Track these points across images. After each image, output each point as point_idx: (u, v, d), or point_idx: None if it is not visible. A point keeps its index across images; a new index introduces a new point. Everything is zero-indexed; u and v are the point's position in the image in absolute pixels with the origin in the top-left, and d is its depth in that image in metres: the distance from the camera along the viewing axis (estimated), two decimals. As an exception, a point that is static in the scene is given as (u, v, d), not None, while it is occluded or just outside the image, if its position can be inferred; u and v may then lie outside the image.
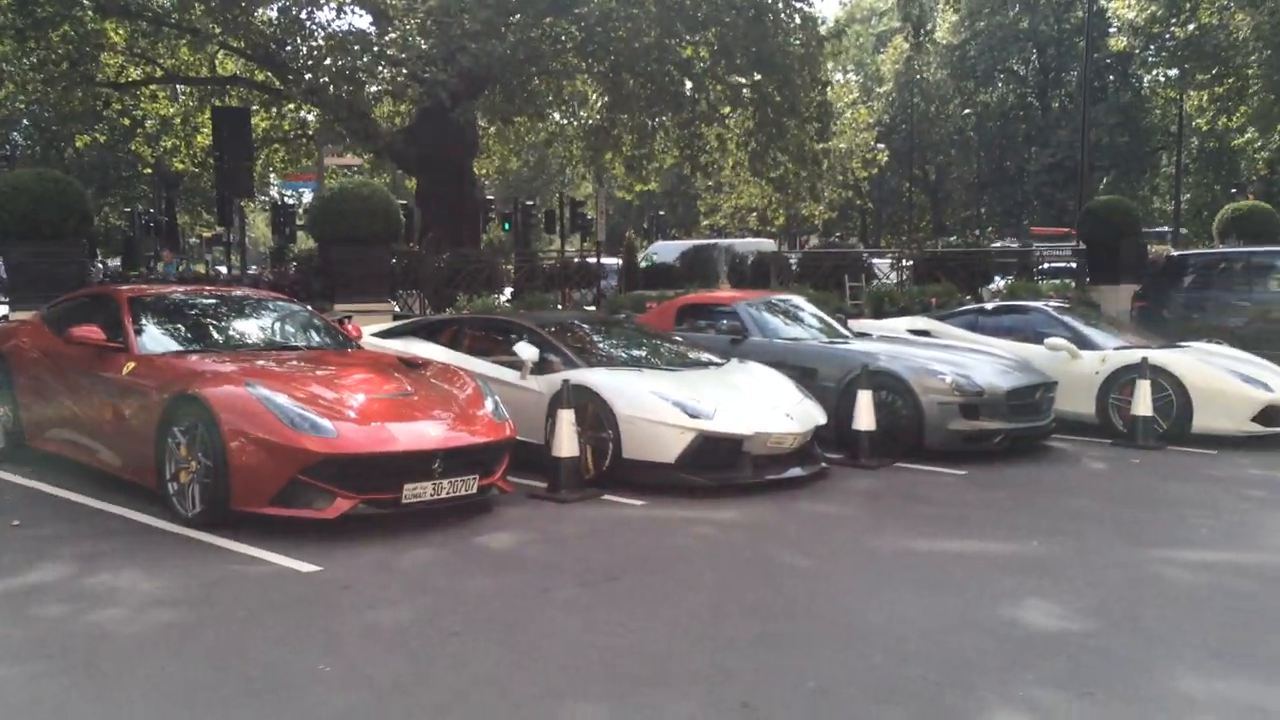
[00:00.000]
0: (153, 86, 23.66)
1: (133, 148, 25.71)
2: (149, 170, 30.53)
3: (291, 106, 21.44)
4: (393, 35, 15.71)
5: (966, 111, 51.15)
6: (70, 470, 7.56)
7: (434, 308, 13.95)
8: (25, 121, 32.86)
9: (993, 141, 52.24)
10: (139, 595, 5.09)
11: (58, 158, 31.63)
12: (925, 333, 11.39)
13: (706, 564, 5.90)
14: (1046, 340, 10.44)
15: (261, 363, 6.94)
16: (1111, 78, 48.71)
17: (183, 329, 7.55)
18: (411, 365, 7.68)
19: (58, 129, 26.41)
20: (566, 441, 7.44)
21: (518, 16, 15.92)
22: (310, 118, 22.41)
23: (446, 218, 19.61)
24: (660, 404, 7.63)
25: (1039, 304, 11.76)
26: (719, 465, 7.72)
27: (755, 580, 5.54)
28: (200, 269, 30.09)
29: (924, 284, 17.21)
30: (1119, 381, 10.07)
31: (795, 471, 8.03)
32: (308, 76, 16.37)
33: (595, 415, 7.76)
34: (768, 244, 31.99)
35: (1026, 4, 49.79)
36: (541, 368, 8.33)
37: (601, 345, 9.05)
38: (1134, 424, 9.71)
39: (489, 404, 7.10)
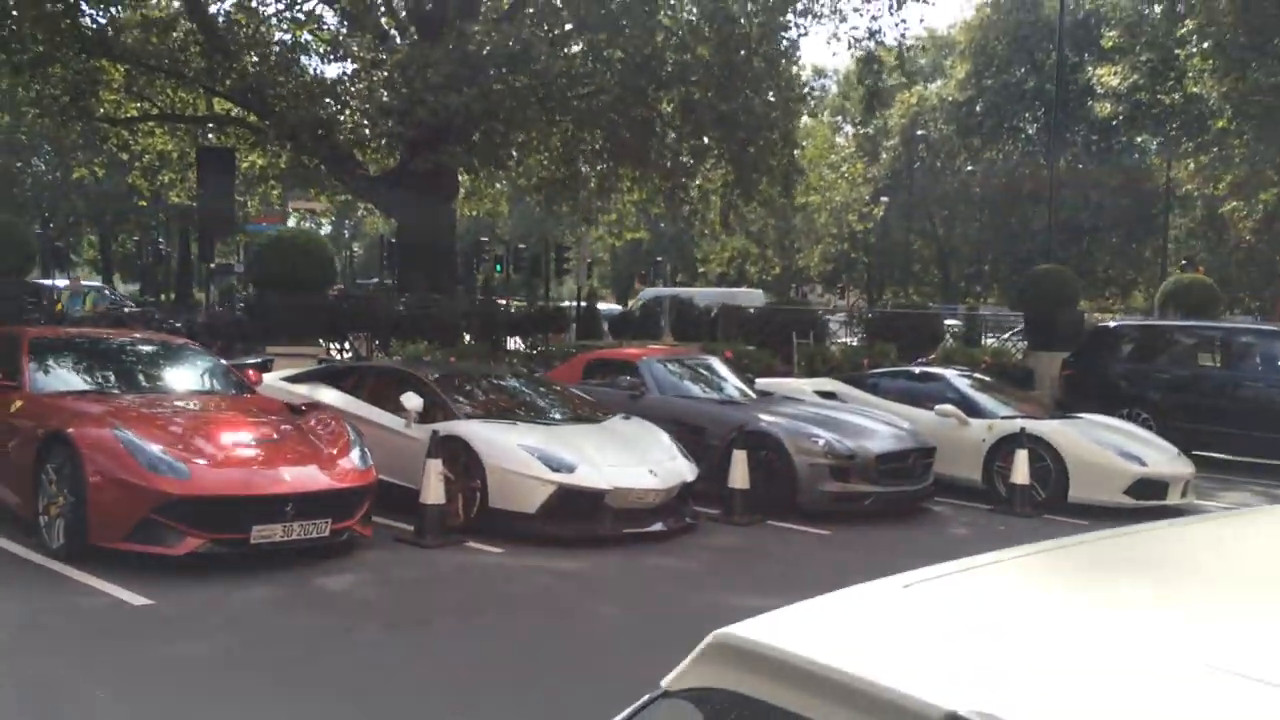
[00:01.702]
0: (149, 123, 24.56)
1: (130, 181, 26.52)
2: (144, 203, 31.38)
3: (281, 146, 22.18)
4: (359, 86, 16.40)
5: (970, 168, 51.66)
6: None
7: (383, 351, 14.50)
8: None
9: (998, 198, 52.76)
10: (-29, 619, 5.57)
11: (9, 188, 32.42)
12: (832, 394, 11.79)
13: (521, 612, 6.33)
14: (936, 407, 10.83)
15: (137, 406, 7.44)
16: (1116, 141, 49.17)
17: (76, 371, 8.09)
18: (295, 411, 8.16)
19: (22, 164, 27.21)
20: (433, 489, 7.89)
21: (488, 71, 16.61)
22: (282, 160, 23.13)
23: (423, 260, 20.22)
24: (525, 456, 8.08)
25: (941, 370, 12.15)
26: (580, 517, 8.14)
27: (554, 630, 5.96)
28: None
29: (873, 343, 17.66)
30: (1003, 449, 10.44)
31: (657, 526, 8.43)
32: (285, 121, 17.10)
33: (466, 465, 8.22)
34: (756, 295, 32.53)
35: (1033, 64, 50.41)
36: (427, 417, 8.80)
37: (486, 397, 9.53)
38: (1012, 491, 10.07)
39: (354, 452, 7.57)
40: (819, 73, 58.49)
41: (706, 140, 19.79)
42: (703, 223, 27.93)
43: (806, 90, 24.66)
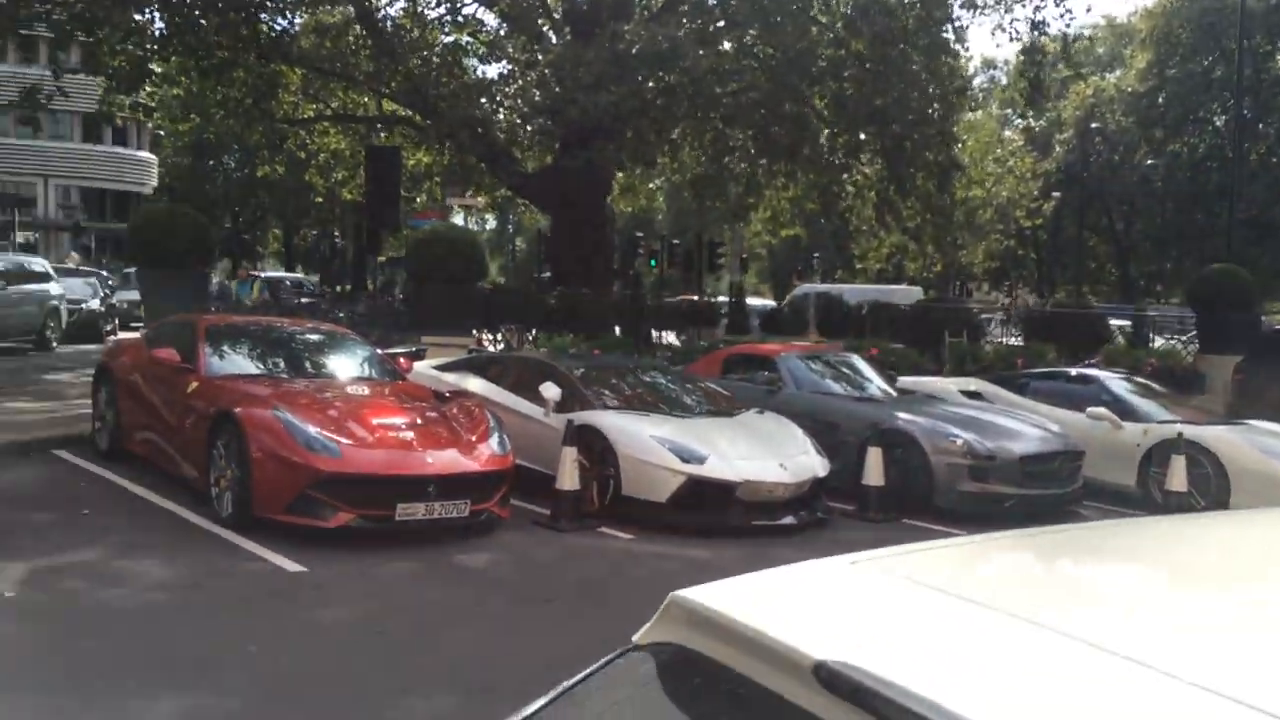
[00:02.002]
0: (324, 123, 25.95)
1: (307, 178, 28.08)
2: (319, 199, 33.13)
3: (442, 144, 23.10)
4: (514, 86, 16.95)
5: (1151, 161, 49.13)
6: (155, 470, 8.84)
7: (531, 343, 14.99)
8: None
9: (1182, 193, 50.00)
10: (147, 579, 6.16)
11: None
12: (977, 395, 11.57)
13: (643, 593, 6.48)
14: (1088, 410, 10.50)
15: (298, 389, 8.00)
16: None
17: (245, 356, 8.73)
18: (440, 398, 8.60)
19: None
20: (568, 476, 8.19)
21: (637, 70, 16.88)
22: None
23: (577, 254, 20.69)
24: (656, 447, 8.29)
25: (1095, 372, 11.75)
26: (709, 508, 8.30)
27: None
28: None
29: (1031, 343, 17.17)
30: (1160, 455, 10.04)
31: (787, 519, 8.51)
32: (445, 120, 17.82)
33: (601, 453, 8.49)
34: (914, 292, 31.90)
35: (1221, 52, 47.56)
36: (565, 406, 9.11)
37: (622, 389, 9.77)
38: (1168, 499, 9.68)
39: (494, 438, 7.93)
40: (989, 64, 56.81)
41: (861, 136, 19.57)
42: (858, 219, 27.68)
43: (969, 83, 24.09)
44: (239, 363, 8.60)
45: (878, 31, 17.94)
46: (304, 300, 19.78)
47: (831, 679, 1.14)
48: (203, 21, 18.15)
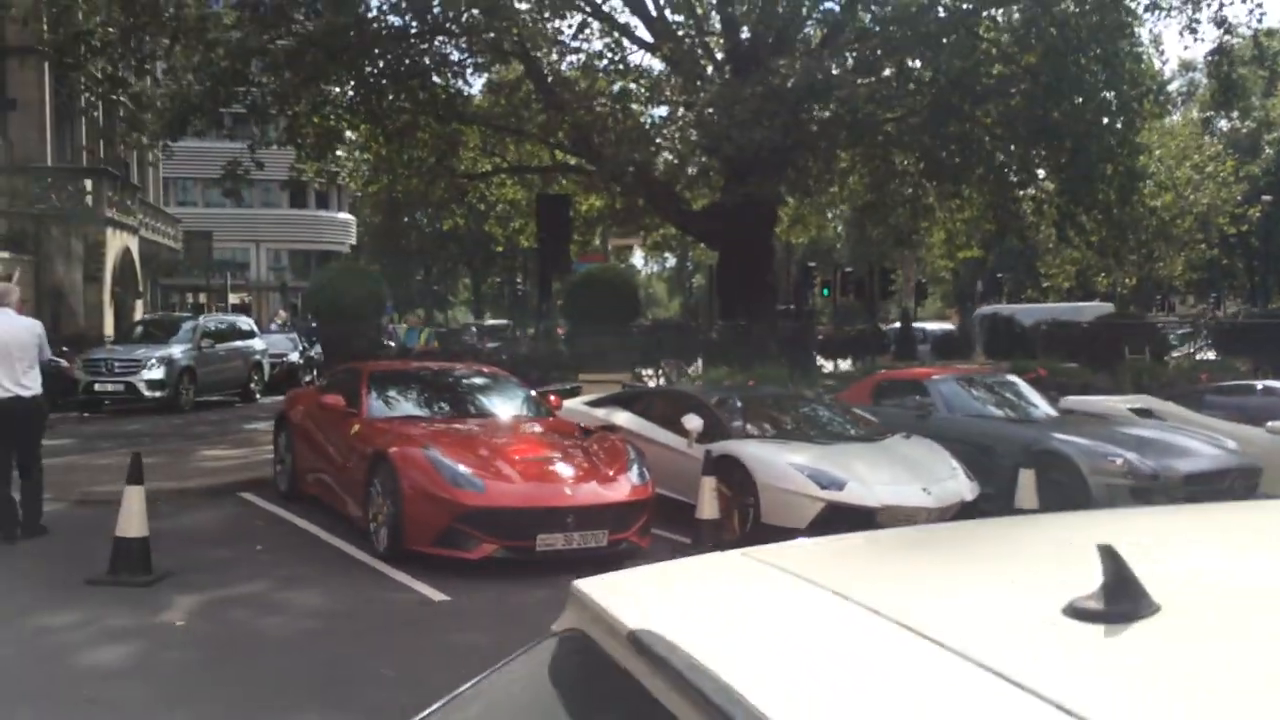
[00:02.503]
0: (501, 175, 27.13)
1: (486, 228, 29.31)
2: (500, 249, 34.49)
3: (609, 188, 23.75)
4: (673, 127, 17.33)
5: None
6: (326, 509, 9.49)
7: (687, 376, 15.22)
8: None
9: None
10: (303, 608, 6.66)
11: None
12: (1148, 412, 11.02)
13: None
14: (1269, 424, 9.85)
15: (450, 428, 8.46)
16: None
17: (404, 399, 9.30)
18: (586, 432, 8.91)
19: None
20: (707, 505, 8.33)
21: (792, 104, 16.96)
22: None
23: (741, 287, 20.83)
24: (795, 474, 8.32)
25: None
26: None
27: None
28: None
29: (1227, 357, 16.22)
30: (1350, 471, 9.32)
31: (932, 545, 8.34)
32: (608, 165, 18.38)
33: (741, 482, 8.59)
34: (1104, 308, 30.44)
35: None
36: (708, 437, 9.25)
37: (765, 418, 9.83)
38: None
39: (632, 470, 8.14)
40: (1187, 66, 53.69)
41: (1033, 152, 18.94)
42: (1042, 236, 26.67)
43: (1159, 88, 22.93)
44: (398, 405, 9.17)
45: (1050, 44, 17.39)
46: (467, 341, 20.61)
47: (639, 645, 1.27)
48: (384, 83, 19.44)
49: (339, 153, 23.97)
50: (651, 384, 15.14)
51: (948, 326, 29.21)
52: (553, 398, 10.08)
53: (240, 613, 6.50)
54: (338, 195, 55.59)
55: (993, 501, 9.17)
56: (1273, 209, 42.51)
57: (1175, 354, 17.08)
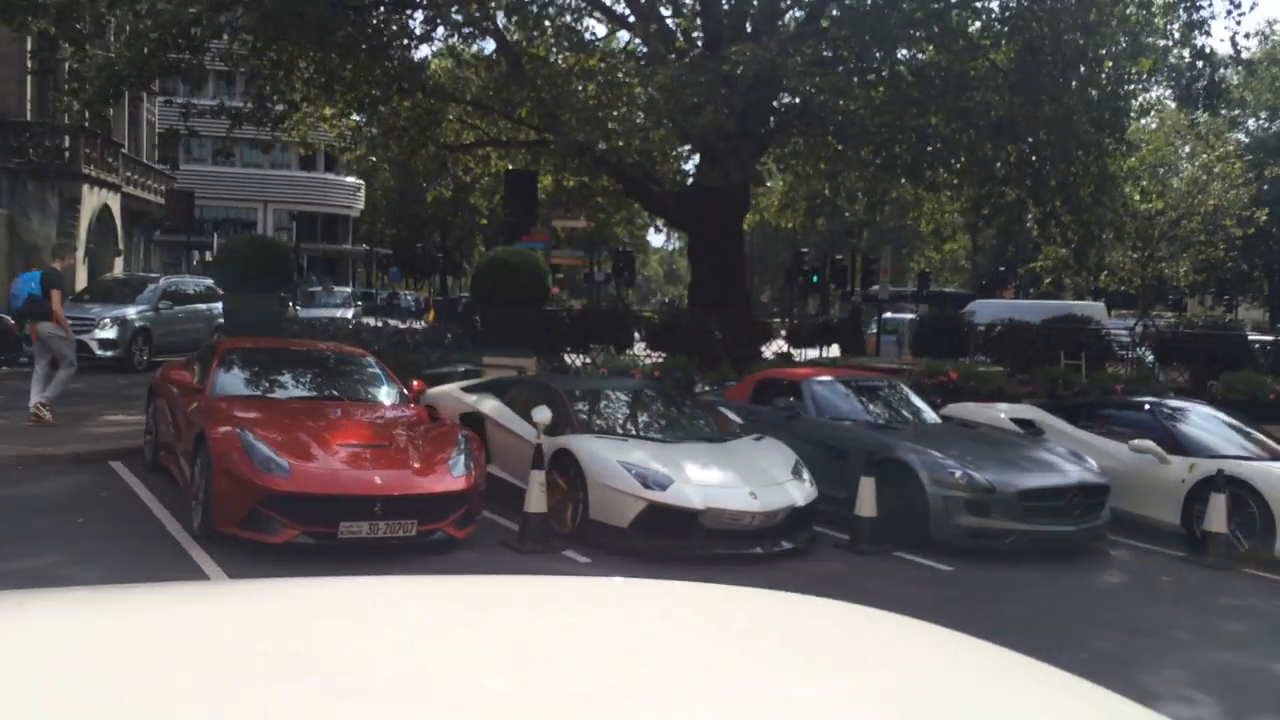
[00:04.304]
0: (485, 149, 27.06)
1: (471, 201, 29.34)
2: (484, 221, 34.54)
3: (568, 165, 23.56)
4: (621, 110, 17.20)
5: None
6: (175, 483, 9.56)
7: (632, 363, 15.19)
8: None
9: None
10: (71, 584, 6.72)
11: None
12: (1030, 423, 10.90)
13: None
14: (1131, 442, 9.73)
15: (280, 410, 8.51)
16: None
17: (250, 377, 9.35)
18: (418, 421, 8.91)
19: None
20: (534, 498, 8.34)
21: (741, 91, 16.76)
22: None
23: (711, 272, 20.67)
24: (621, 472, 8.30)
25: (1151, 400, 10.84)
26: (672, 534, 8.24)
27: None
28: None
29: (1163, 365, 16.03)
30: (1205, 492, 9.18)
31: (755, 550, 8.34)
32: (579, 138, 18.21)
33: (574, 477, 8.59)
34: (1096, 308, 30.00)
35: None
36: (557, 429, 9.25)
37: (617, 413, 9.81)
38: (1205, 541, 8.86)
39: (454, 462, 8.15)
40: (1175, 69, 52.41)
41: (987, 147, 18.62)
42: (1018, 233, 26.31)
43: (1139, 89, 22.43)
44: (241, 385, 9.22)
45: (1031, 37, 17.04)
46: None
47: None
48: (339, 60, 19.39)
49: (322, 125, 24.07)
50: (580, 369, 15.13)
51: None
52: (415, 383, 10.09)
53: (5, 587, 6.58)
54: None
55: (840, 506, 9.16)
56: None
57: (1119, 362, 16.84)
